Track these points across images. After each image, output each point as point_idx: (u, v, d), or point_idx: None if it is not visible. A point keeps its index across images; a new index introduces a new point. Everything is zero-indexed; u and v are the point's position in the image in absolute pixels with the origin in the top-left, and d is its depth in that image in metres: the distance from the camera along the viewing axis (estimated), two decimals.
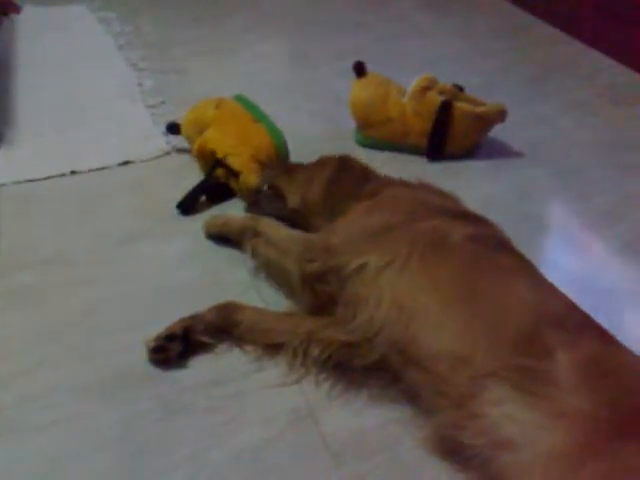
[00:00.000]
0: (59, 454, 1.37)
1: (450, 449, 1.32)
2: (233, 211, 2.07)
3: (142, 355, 1.55)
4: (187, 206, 2.07)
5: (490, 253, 1.50)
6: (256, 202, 2.03)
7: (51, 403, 1.47)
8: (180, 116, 2.31)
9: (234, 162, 2.07)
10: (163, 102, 2.67)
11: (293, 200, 1.91)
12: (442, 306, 1.40)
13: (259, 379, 1.53)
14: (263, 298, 1.74)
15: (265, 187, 2.00)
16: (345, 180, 1.85)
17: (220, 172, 2.11)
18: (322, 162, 1.95)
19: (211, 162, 2.12)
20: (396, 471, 1.35)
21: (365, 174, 1.88)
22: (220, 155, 2.09)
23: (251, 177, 2.05)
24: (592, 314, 1.41)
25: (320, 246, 1.62)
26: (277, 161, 2.10)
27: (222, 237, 1.92)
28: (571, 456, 1.13)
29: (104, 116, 2.57)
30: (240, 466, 1.35)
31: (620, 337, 1.37)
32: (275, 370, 1.54)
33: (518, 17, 3.54)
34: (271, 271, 1.76)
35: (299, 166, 2.02)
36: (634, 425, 1.15)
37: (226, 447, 1.38)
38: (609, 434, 1.13)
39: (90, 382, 1.52)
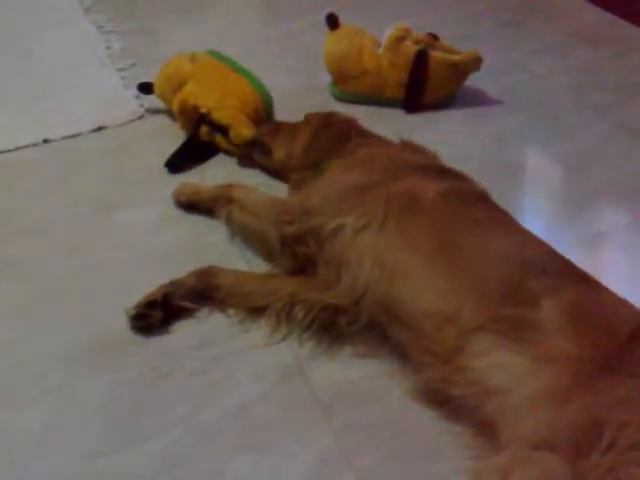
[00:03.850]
0: (52, 421, 1.37)
1: (438, 400, 1.34)
2: (219, 168, 2.06)
3: (126, 322, 1.55)
4: (175, 164, 2.04)
5: (466, 208, 1.49)
6: (248, 155, 2.03)
7: (43, 371, 1.47)
8: (152, 77, 2.26)
9: (221, 116, 2.03)
10: (133, 64, 2.61)
11: (278, 154, 1.95)
12: (422, 265, 1.40)
13: (244, 340, 1.54)
14: (246, 259, 1.74)
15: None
16: (326, 135, 1.85)
17: (204, 129, 2.07)
18: (307, 119, 1.97)
19: (194, 118, 2.08)
20: (385, 419, 1.37)
21: (347, 130, 1.87)
22: (204, 110, 2.04)
23: (243, 129, 2.02)
24: (573, 259, 1.42)
25: (297, 208, 1.62)
26: (265, 114, 2.09)
27: (191, 206, 1.89)
28: (557, 394, 1.15)
29: (73, 82, 2.51)
30: (232, 424, 1.36)
31: (604, 280, 1.38)
32: (259, 331, 1.55)
33: None
34: (248, 236, 1.74)
35: (286, 124, 2.03)
36: (616, 363, 1.17)
37: (217, 407, 1.39)
38: (593, 373, 1.16)
39: (78, 349, 1.52)
